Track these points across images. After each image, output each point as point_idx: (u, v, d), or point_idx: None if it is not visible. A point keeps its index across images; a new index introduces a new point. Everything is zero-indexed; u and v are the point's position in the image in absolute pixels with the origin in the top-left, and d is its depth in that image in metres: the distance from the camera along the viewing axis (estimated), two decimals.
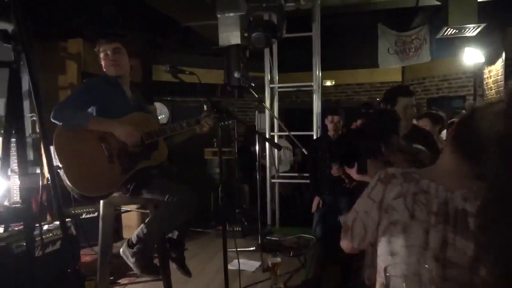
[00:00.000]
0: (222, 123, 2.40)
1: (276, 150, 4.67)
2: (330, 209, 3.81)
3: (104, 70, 2.35)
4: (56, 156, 2.04)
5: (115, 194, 2.22)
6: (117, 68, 2.32)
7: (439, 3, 4.54)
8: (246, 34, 3.66)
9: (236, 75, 3.45)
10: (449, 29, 4.39)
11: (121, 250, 2.25)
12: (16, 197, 2.78)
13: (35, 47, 4.58)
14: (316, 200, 3.85)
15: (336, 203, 3.74)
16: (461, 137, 1.14)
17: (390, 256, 1.12)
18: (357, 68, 7.72)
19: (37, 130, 3.33)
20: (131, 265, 2.22)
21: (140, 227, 2.26)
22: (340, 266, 3.44)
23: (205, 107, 2.47)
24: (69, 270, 1.21)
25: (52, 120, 2.09)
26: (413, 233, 1.07)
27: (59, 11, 4.82)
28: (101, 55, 2.33)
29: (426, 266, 1.01)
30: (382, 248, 1.15)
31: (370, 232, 1.19)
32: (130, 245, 2.24)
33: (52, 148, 2.02)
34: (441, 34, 4.61)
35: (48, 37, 4.74)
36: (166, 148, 2.40)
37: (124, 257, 2.24)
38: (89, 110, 2.23)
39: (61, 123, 2.09)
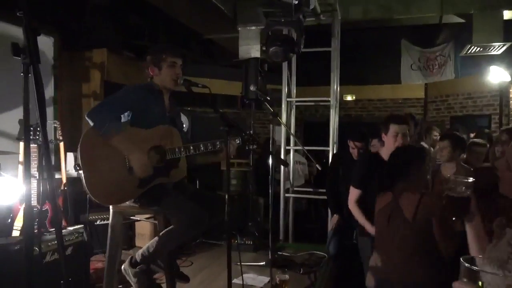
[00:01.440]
0: (248, 147, 2.39)
1: (291, 164, 4.65)
2: (345, 226, 3.72)
3: (159, 79, 2.34)
4: (79, 157, 2.08)
5: (126, 203, 2.25)
6: (177, 83, 2.34)
7: (463, 20, 4.46)
8: (264, 48, 3.68)
9: (252, 88, 3.47)
10: (473, 47, 4.30)
11: (122, 267, 2.26)
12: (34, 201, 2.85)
13: (63, 57, 4.76)
14: (334, 218, 3.76)
15: (352, 220, 3.65)
16: None
17: None
18: (379, 84, 7.64)
19: (58, 137, 3.43)
20: (133, 284, 2.23)
21: (146, 246, 2.26)
22: (356, 285, 3.34)
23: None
24: (70, 279, 1.19)
25: (86, 118, 2.13)
26: None
27: (86, 22, 5.00)
28: (166, 65, 2.32)
29: None
30: None
31: None
32: (133, 263, 2.24)
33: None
34: (465, 52, 4.52)
35: (75, 47, 4.92)
36: (186, 167, 2.38)
37: (126, 275, 2.25)
38: (126, 113, 2.25)
39: (92, 124, 2.12)
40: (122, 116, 2.26)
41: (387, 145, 2.74)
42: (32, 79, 1.07)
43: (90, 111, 2.14)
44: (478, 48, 4.30)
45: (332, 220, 3.74)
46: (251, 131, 2.41)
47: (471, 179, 1.41)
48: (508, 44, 4.14)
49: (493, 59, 5.30)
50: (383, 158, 2.74)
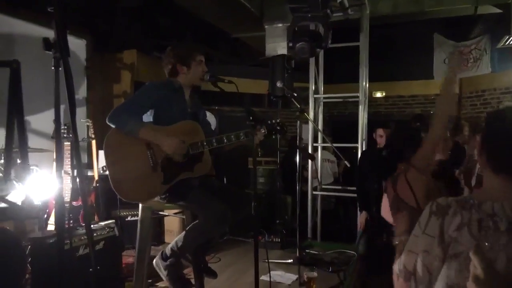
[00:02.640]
0: (274, 136, 2.39)
1: (318, 162, 4.59)
2: (375, 224, 3.64)
3: (186, 76, 2.38)
4: (104, 158, 2.14)
5: (154, 199, 2.29)
6: (203, 79, 2.39)
7: (500, 11, 4.25)
8: (290, 44, 3.65)
9: (278, 84, 3.45)
10: (510, 38, 4.08)
11: (154, 261, 2.30)
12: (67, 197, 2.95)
13: (96, 59, 4.92)
14: (363, 215, 3.70)
15: (383, 220, 3.56)
16: (496, 156, 1.08)
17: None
18: (410, 80, 7.40)
19: (90, 135, 3.54)
20: (163, 277, 2.26)
21: (175, 240, 2.29)
22: (386, 285, 3.26)
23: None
24: (90, 270, 1.22)
25: (108, 123, 2.19)
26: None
27: (116, 24, 5.14)
28: (195, 63, 2.37)
29: None
30: (438, 283, 1.06)
31: (437, 271, 1.07)
32: (164, 257, 2.28)
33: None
34: (501, 44, 4.30)
35: (106, 49, 5.07)
36: (210, 161, 2.38)
37: (157, 269, 2.29)
38: (148, 112, 2.29)
39: (115, 126, 2.18)
40: (145, 115, 2.30)
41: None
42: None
43: (110, 115, 2.17)
44: None
45: (361, 217, 3.68)
46: (278, 120, 2.38)
47: None
48: None
49: None
50: None
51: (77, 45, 4.69)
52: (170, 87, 2.36)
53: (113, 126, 2.18)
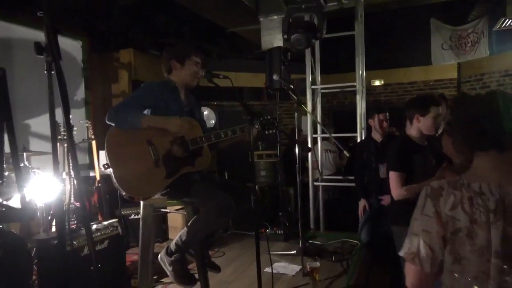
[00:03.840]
0: (267, 131, 2.41)
1: (319, 153, 4.60)
2: (377, 213, 3.66)
3: (178, 74, 2.41)
4: (106, 156, 2.17)
5: (155, 196, 2.31)
6: (195, 81, 2.43)
7: None
8: (285, 36, 3.64)
9: (275, 77, 3.45)
10: (508, 20, 4.06)
11: (159, 256, 2.33)
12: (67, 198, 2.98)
13: (93, 59, 4.93)
14: (362, 203, 3.72)
15: (384, 208, 3.59)
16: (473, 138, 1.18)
17: (457, 264, 1.11)
18: (409, 66, 7.37)
19: (90, 136, 3.56)
20: (169, 273, 2.29)
21: (178, 234, 2.31)
22: (390, 272, 3.28)
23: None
24: (91, 268, 1.24)
25: (107, 122, 2.21)
26: (478, 236, 1.08)
27: (112, 23, 5.14)
28: (190, 62, 2.39)
29: (493, 262, 1.04)
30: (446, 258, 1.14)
31: (438, 249, 1.14)
32: (169, 253, 2.30)
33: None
34: (498, 26, 4.28)
35: (103, 49, 5.07)
36: (209, 155, 2.42)
37: (162, 264, 2.32)
38: (144, 112, 2.32)
39: (114, 125, 2.20)
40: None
41: (425, 127, 2.57)
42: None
43: (109, 114, 2.21)
44: None
45: (360, 205, 3.70)
46: (269, 116, 2.39)
47: None
48: None
49: None
50: (414, 140, 2.65)
51: (73, 47, 4.70)
52: (166, 87, 2.40)
53: (113, 124, 2.20)
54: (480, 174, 1.15)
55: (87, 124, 3.58)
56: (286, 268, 3.06)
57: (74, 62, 4.68)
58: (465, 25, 6.45)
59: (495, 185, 1.10)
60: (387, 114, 3.59)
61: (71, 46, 4.65)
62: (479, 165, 1.17)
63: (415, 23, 6.66)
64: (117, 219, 2.93)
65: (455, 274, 1.11)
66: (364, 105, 4.21)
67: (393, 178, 2.59)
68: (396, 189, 2.57)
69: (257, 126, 2.32)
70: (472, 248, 1.08)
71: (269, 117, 2.36)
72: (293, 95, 3.39)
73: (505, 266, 1.03)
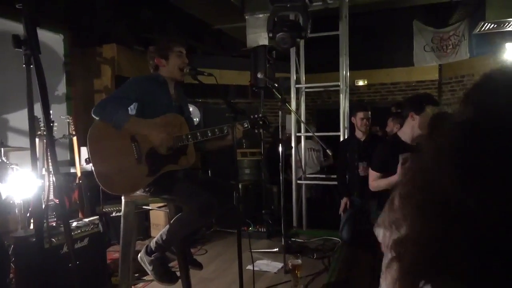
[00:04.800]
0: (256, 130, 2.41)
1: (302, 151, 4.64)
2: (358, 211, 3.71)
3: (166, 69, 2.37)
4: (88, 150, 2.13)
5: (137, 192, 2.29)
6: (184, 72, 2.36)
7: None
8: (271, 35, 3.65)
9: (259, 75, 3.46)
10: (487, 24, 4.17)
11: (138, 256, 2.31)
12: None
13: (75, 54, 4.83)
14: (343, 201, 3.78)
15: (365, 206, 3.65)
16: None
17: None
18: (392, 67, 7.47)
19: (71, 131, 3.49)
20: (149, 272, 2.27)
21: (159, 233, 2.30)
22: (369, 270, 3.34)
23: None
24: (70, 265, 1.23)
25: (93, 115, 2.17)
26: None
27: (96, 18, 5.05)
28: (173, 55, 2.35)
29: None
30: None
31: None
32: (149, 252, 2.28)
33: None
34: (478, 30, 4.38)
35: (86, 43, 4.98)
36: (195, 154, 2.40)
37: (142, 264, 2.30)
38: (131, 106, 2.29)
39: (100, 119, 2.16)
40: (129, 109, 2.30)
41: (419, 126, 2.57)
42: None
43: (95, 108, 2.17)
44: (492, 25, 4.16)
45: (342, 204, 3.76)
46: (260, 114, 2.39)
47: None
48: None
49: (508, 36, 5.12)
50: (402, 139, 2.68)
51: (54, 40, 4.60)
52: (155, 81, 2.36)
53: (98, 118, 2.17)
54: None
55: (68, 120, 3.51)
56: (268, 265, 3.08)
57: (55, 56, 4.58)
58: (447, 28, 6.58)
59: None
60: (369, 113, 3.63)
61: (52, 40, 4.55)
62: None
63: (398, 24, 6.76)
64: (98, 217, 2.89)
65: None
66: (347, 105, 4.26)
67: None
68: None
69: (246, 125, 2.32)
70: None
71: (260, 115, 2.36)
72: (277, 93, 3.41)
73: None
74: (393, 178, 2.54)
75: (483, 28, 4.30)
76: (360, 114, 3.61)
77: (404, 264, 0.57)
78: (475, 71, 6.60)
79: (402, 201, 0.62)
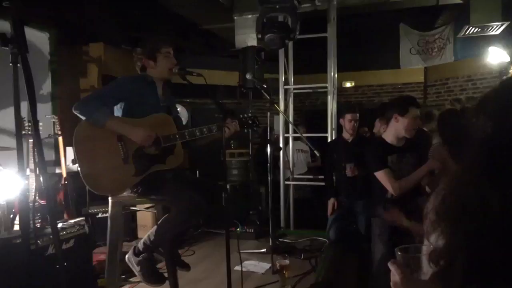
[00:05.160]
0: (245, 130, 2.41)
1: (290, 152, 4.66)
2: (345, 212, 3.75)
3: (154, 70, 2.34)
4: (74, 150, 2.11)
5: (124, 193, 2.27)
6: (172, 72, 2.34)
7: (461, 1, 4.40)
8: (259, 36, 3.66)
9: (248, 76, 3.47)
10: (471, 28, 4.25)
11: (126, 256, 2.29)
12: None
13: (61, 52, 4.76)
14: (331, 202, 3.81)
15: (352, 207, 3.68)
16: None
17: None
18: (379, 69, 7.57)
19: (57, 131, 3.44)
20: (137, 273, 2.26)
21: (147, 234, 2.28)
22: (356, 270, 3.38)
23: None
24: (57, 266, 1.21)
25: (73, 111, 2.13)
26: None
27: (82, 16, 4.99)
28: (161, 56, 2.33)
29: None
30: None
31: None
32: (136, 253, 2.27)
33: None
34: (463, 33, 4.47)
35: (72, 42, 4.92)
36: (182, 154, 2.39)
37: (129, 265, 2.28)
38: (118, 105, 2.26)
39: (80, 115, 2.13)
40: (115, 109, 2.28)
41: (404, 127, 2.59)
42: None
43: (77, 103, 2.14)
44: (476, 29, 4.25)
45: (329, 204, 3.79)
46: (250, 114, 2.40)
47: None
48: (506, 24, 4.08)
49: (493, 40, 5.23)
50: (387, 141, 2.72)
51: (40, 39, 4.52)
52: (143, 81, 2.34)
53: (78, 114, 2.14)
54: None
55: (53, 119, 3.46)
56: (256, 266, 3.09)
57: (41, 54, 4.51)
58: (432, 31, 6.70)
59: None
60: (357, 115, 3.64)
61: (37, 38, 4.48)
62: None
63: (385, 27, 6.85)
64: (84, 218, 2.85)
65: None
66: (335, 106, 4.30)
67: (382, 176, 2.60)
68: (391, 185, 2.56)
69: (234, 124, 2.32)
70: None
71: (250, 115, 2.36)
72: (266, 94, 3.42)
73: None
74: (421, 171, 2.48)
75: (467, 32, 4.38)
76: (348, 116, 3.62)
77: (454, 272, 0.61)
78: (459, 74, 6.74)
79: (440, 217, 0.67)
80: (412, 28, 6.84)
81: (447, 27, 6.53)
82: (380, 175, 2.61)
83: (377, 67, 7.52)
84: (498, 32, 4.38)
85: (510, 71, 5.72)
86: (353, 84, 7.72)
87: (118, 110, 2.28)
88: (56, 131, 3.43)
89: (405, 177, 2.55)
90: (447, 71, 6.88)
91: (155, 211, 2.47)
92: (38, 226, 2.61)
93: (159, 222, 2.28)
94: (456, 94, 6.78)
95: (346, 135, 3.72)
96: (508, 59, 5.48)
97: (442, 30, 6.59)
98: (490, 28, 4.25)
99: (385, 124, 3.72)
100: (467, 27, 4.25)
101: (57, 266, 1.26)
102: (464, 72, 6.65)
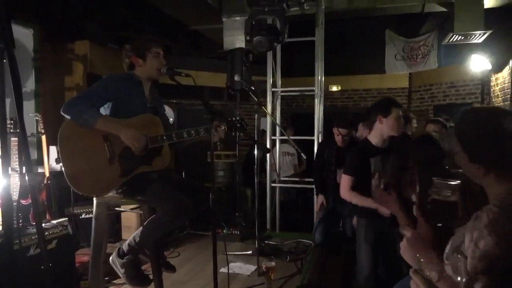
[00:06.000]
0: (234, 133, 2.41)
1: (277, 154, 4.67)
2: (331, 214, 3.77)
3: (142, 70, 2.31)
4: (58, 149, 2.06)
5: (109, 193, 2.24)
6: (160, 72, 2.31)
7: (445, 9, 4.50)
8: (248, 38, 3.67)
9: (236, 78, 3.47)
10: (455, 35, 4.34)
11: (110, 258, 2.25)
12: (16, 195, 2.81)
13: (45, 49, 4.67)
14: (319, 199, 3.83)
15: (339, 210, 3.71)
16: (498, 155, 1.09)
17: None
18: (365, 74, 7.68)
19: (40, 130, 3.37)
20: (121, 275, 2.22)
21: (132, 235, 2.25)
22: (341, 272, 3.40)
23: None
24: (42, 267, 1.19)
25: (62, 113, 2.09)
26: None
27: (68, 13, 4.90)
28: (151, 55, 2.29)
29: None
30: None
31: None
32: (121, 254, 2.23)
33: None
34: (447, 41, 4.56)
35: (57, 39, 4.83)
36: (169, 155, 2.36)
37: (114, 266, 2.24)
38: (105, 105, 2.22)
39: (69, 117, 2.09)
40: (102, 108, 2.24)
41: (388, 127, 2.68)
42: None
43: (65, 105, 2.10)
44: (460, 37, 4.35)
45: (318, 201, 3.81)
46: (237, 117, 2.39)
47: (456, 182, 1.36)
48: (488, 32, 4.19)
49: (475, 48, 5.37)
50: (372, 143, 2.76)
51: (24, 35, 4.42)
52: (130, 81, 2.30)
53: (67, 117, 2.10)
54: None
55: (36, 118, 3.38)
56: (242, 268, 3.08)
57: (24, 51, 4.41)
58: (417, 38, 6.83)
59: None
60: (347, 131, 3.64)
61: (21, 34, 4.38)
62: (493, 192, 1.12)
63: (371, 33, 6.96)
64: (67, 218, 2.80)
65: None
66: (322, 109, 4.33)
67: (344, 180, 2.81)
68: (343, 190, 2.80)
69: (223, 127, 2.31)
70: None
71: (238, 118, 2.36)
72: (253, 96, 3.43)
73: None
74: (367, 201, 2.63)
75: (451, 40, 4.47)
76: (335, 130, 3.65)
77: None
78: (443, 80, 6.89)
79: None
80: (398, 34, 6.97)
81: (432, 34, 6.67)
82: (344, 177, 2.80)
83: (363, 71, 7.63)
84: (481, 40, 4.49)
85: (491, 78, 5.88)
86: (339, 88, 7.81)
87: (104, 110, 2.24)
88: (39, 130, 3.35)
89: (359, 195, 2.70)
90: (431, 77, 7.03)
91: (141, 212, 2.44)
92: (20, 226, 2.55)
93: (145, 223, 2.26)
94: (440, 100, 6.93)
95: (337, 138, 3.74)
96: (489, 66, 5.63)
97: (427, 37, 6.73)
98: (473, 36, 4.35)
99: (368, 128, 3.79)
100: (451, 34, 4.34)
101: (42, 267, 1.22)
102: (448, 79, 6.80)
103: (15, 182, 2.86)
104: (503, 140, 1.08)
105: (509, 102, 5.08)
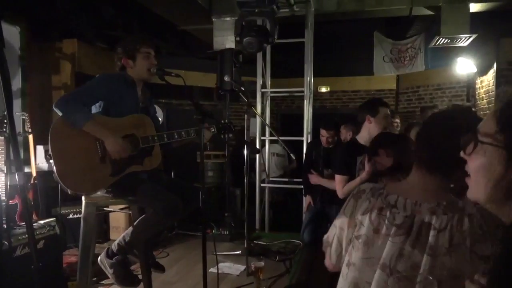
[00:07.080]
0: (223, 135, 2.42)
1: (266, 155, 4.69)
2: (319, 214, 3.80)
3: (133, 70, 2.31)
4: (50, 147, 2.05)
5: (99, 193, 2.23)
6: (151, 73, 2.31)
7: (432, 13, 4.58)
8: (238, 38, 3.68)
9: (226, 78, 3.47)
10: (441, 38, 4.43)
11: (99, 259, 2.24)
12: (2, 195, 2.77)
13: (32, 47, 4.61)
14: (307, 199, 3.86)
15: (326, 210, 3.74)
16: (420, 150, 1.14)
17: (346, 267, 1.15)
18: (353, 75, 7.76)
19: (27, 129, 3.33)
20: (109, 275, 2.21)
21: (122, 235, 2.25)
22: (329, 272, 3.43)
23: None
24: (32, 267, 1.18)
25: (54, 109, 2.09)
26: (373, 246, 1.09)
27: (56, 11, 4.85)
28: (141, 56, 2.29)
29: (377, 273, 1.03)
30: (345, 258, 1.19)
31: (346, 247, 1.19)
32: (110, 254, 2.22)
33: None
34: (433, 44, 4.65)
35: (44, 37, 4.77)
36: (160, 155, 2.37)
37: (102, 267, 2.23)
38: (97, 104, 2.22)
39: (61, 114, 2.09)
40: (93, 107, 2.24)
41: (377, 126, 2.73)
42: None
43: (58, 101, 2.10)
44: (446, 40, 4.43)
45: (305, 201, 3.84)
46: (227, 120, 2.41)
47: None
48: (474, 36, 4.29)
49: (461, 51, 5.48)
50: (361, 143, 2.81)
51: (10, 33, 4.36)
52: (123, 81, 2.30)
53: (59, 112, 2.09)
54: (405, 187, 1.15)
55: (23, 117, 3.34)
56: (231, 268, 3.09)
57: (11, 49, 4.35)
58: (405, 40, 6.93)
59: (412, 202, 1.08)
60: (331, 132, 3.67)
61: (7, 32, 4.31)
62: (410, 178, 1.16)
63: (360, 35, 7.02)
64: (54, 218, 2.77)
65: (341, 276, 1.17)
66: (311, 110, 4.36)
67: (338, 180, 2.85)
68: (339, 190, 2.85)
69: (213, 130, 2.33)
70: (364, 256, 1.10)
71: (226, 121, 2.38)
72: (243, 97, 3.44)
73: (388, 282, 1.03)
74: (357, 181, 2.64)
75: (438, 43, 4.56)
76: (322, 132, 3.70)
77: None
78: (430, 82, 7.00)
79: None
80: (386, 36, 7.05)
81: (419, 37, 6.77)
82: (337, 178, 2.85)
83: (352, 73, 7.70)
84: (466, 43, 4.58)
85: (476, 81, 6.00)
86: (328, 89, 7.87)
87: (96, 108, 2.24)
88: (26, 129, 3.31)
89: (348, 183, 2.76)
90: (418, 79, 7.13)
91: (130, 212, 2.43)
92: (5, 226, 2.52)
93: (135, 223, 2.25)
94: (427, 102, 7.03)
95: (322, 139, 3.79)
96: (475, 69, 5.75)
97: (414, 39, 6.82)
98: (459, 39, 4.44)
99: (350, 131, 3.84)
100: (437, 37, 4.43)
101: (32, 267, 1.21)
102: (434, 81, 6.91)
103: (0, 181, 2.83)
104: (436, 140, 1.11)
105: (493, 104, 5.19)
